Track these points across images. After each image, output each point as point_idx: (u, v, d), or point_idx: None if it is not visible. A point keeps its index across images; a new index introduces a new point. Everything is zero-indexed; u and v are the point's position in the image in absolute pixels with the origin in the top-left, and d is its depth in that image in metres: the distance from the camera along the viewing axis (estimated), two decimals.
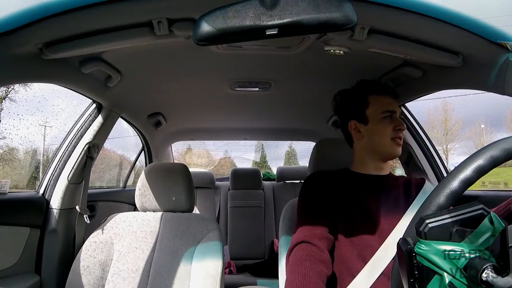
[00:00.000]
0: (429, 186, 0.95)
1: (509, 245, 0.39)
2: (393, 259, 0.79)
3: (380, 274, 0.79)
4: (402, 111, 0.97)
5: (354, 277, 0.81)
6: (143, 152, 2.05)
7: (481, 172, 0.43)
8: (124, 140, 2.10)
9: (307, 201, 0.93)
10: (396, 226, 0.84)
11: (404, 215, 0.86)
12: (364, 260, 0.81)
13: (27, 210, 1.14)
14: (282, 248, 1.03)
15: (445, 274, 0.38)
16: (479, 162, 0.43)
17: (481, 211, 0.40)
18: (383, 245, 0.82)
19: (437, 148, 1.41)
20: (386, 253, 0.80)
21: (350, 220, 0.87)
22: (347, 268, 0.83)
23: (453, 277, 0.37)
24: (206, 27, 0.53)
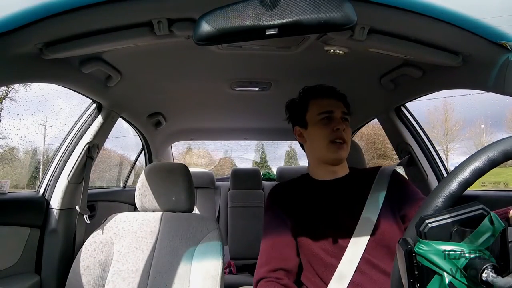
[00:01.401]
0: (384, 170, 0.95)
1: (509, 241, 0.39)
2: (365, 250, 0.81)
3: (359, 262, 0.81)
4: (346, 112, 0.94)
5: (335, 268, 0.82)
6: (143, 152, 2.05)
7: (479, 173, 0.43)
8: (126, 139, 2.10)
9: (267, 220, 0.94)
10: (360, 219, 0.85)
11: (366, 204, 0.87)
12: (339, 257, 0.83)
13: (27, 210, 1.14)
14: None
15: (445, 274, 0.38)
16: (477, 163, 0.43)
17: (481, 211, 0.40)
18: (351, 240, 0.83)
19: (437, 148, 1.42)
20: (357, 246, 0.82)
21: (314, 226, 0.87)
22: (328, 268, 0.83)
23: (453, 277, 0.37)
24: (206, 27, 0.53)
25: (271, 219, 0.94)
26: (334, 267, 0.82)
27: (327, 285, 0.81)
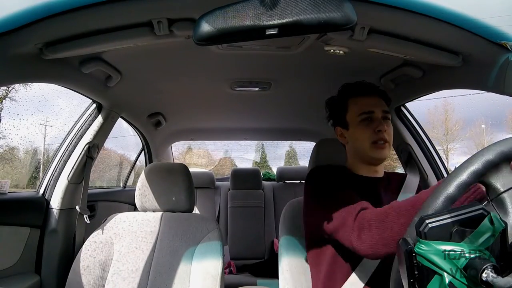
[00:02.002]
0: (410, 179, 0.94)
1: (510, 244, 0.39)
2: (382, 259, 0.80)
3: (375, 269, 0.80)
4: (386, 110, 0.91)
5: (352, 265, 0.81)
6: (143, 152, 2.05)
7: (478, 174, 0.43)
8: (131, 139, 2.09)
9: (327, 188, 0.84)
10: None
11: None
12: (358, 258, 0.82)
13: (27, 210, 1.14)
14: (282, 248, 1.03)
15: (445, 274, 0.38)
16: (475, 166, 0.43)
17: (481, 211, 0.40)
18: None
19: (437, 148, 1.42)
20: None
21: None
22: (351, 260, 0.83)
23: (453, 277, 0.37)
24: (206, 27, 0.53)
25: (329, 187, 0.84)
26: (349, 267, 0.82)
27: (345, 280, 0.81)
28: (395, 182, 0.95)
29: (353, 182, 0.91)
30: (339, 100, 0.96)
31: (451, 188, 0.43)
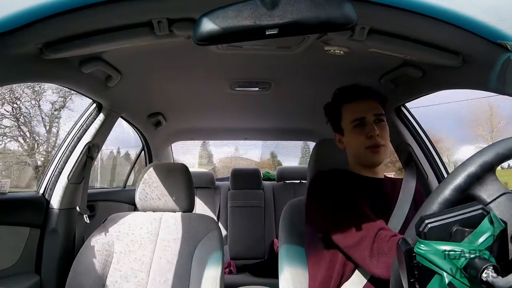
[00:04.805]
0: (406, 182, 0.94)
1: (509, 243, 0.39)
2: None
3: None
4: (378, 113, 0.90)
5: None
6: (143, 152, 2.05)
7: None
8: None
9: (336, 197, 0.84)
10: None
11: (391, 215, 0.85)
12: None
13: (27, 210, 1.15)
14: (282, 248, 1.03)
15: (445, 274, 0.38)
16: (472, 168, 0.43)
17: (481, 211, 0.40)
18: None
19: (483, 146, 1.41)
20: None
21: (345, 220, 0.82)
22: (346, 266, 0.83)
23: (453, 277, 0.37)
24: (206, 27, 0.53)
25: (338, 197, 0.84)
26: (347, 272, 0.82)
27: (341, 281, 0.81)
28: (396, 186, 0.95)
29: (359, 183, 0.91)
30: (334, 107, 0.96)
31: (447, 192, 0.43)
